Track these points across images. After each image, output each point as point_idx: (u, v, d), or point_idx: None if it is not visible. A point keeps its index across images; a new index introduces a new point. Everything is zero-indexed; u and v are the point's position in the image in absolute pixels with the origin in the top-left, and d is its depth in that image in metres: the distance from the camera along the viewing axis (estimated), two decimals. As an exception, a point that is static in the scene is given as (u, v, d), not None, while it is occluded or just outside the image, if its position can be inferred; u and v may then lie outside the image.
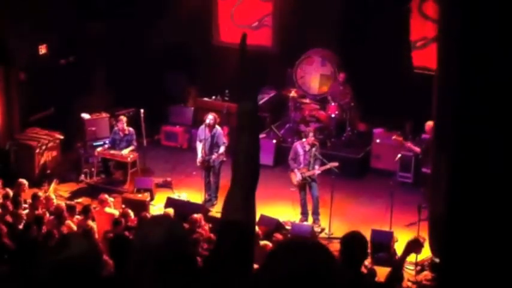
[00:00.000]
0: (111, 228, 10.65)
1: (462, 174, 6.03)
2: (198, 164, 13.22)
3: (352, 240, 5.40)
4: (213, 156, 13.04)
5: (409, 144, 13.57)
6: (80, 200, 13.26)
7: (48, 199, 11.98)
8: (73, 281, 2.89)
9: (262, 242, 10.73)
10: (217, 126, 13.21)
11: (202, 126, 13.26)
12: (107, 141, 14.43)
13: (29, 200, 11.92)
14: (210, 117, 13.12)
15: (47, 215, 11.28)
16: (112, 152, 14.23)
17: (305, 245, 2.35)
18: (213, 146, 13.13)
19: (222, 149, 13.10)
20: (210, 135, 13.09)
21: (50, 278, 2.89)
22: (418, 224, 11.27)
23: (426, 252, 10.73)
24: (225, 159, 13.19)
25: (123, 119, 14.30)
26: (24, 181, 12.39)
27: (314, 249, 2.34)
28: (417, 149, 13.39)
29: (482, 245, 5.79)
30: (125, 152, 14.13)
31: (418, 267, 10.86)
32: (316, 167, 12.53)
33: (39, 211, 11.37)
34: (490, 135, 5.99)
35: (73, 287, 2.89)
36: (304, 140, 12.81)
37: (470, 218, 5.82)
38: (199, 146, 13.24)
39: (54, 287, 2.88)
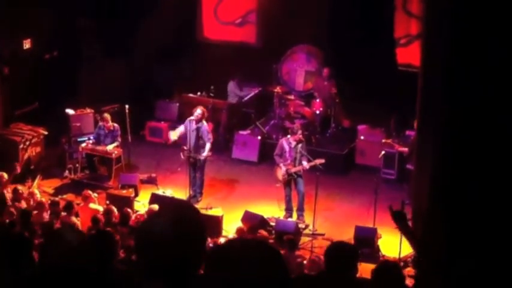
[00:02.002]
0: (91, 225, 10.61)
1: (445, 171, 6.06)
2: (182, 151, 13.14)
3: (336, 254, 5.21)
4: (201, 158, 13.03)
5: (397, 146, 13.68)
6: (64, 195, 13.22)
7: (32, 194, 11.94)
8: (67, 275, 2.90)
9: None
10: (203, 121, 13.19)
11: (189, 120, 13.20)
12: (91, 137, 14.38)
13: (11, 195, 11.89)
14: (198, 112, 13.08)
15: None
16: (96, 147, 14.20)
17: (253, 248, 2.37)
18: (198, 140, 13.10)
19: (208, 146, 13.08)
20: (196, 128, 13.07)
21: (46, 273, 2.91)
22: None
23: (409, 249, 10.80)
24: (210, 153, 13.20)
25: (107, 116, 14.25)
26: (4, 174, 12.32)
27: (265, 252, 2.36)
28: (405, 149, 13.46)
29: (465, 241, 5.84)
30: (110, 147, 14.11)
31: (402, 264, 10.92)
32: (304, 163, 12.52)
33: (22, 204, 11.33)
34: (475, 132, 6.03)
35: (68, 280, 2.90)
36: (289, 136, 12.82)
37: (452, 213, 5.86)
38: (181, 128, 13.21)
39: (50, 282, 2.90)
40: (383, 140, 13.96)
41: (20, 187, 12.25)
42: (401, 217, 5.68)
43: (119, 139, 14.25)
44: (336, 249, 5.34)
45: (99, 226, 10.47)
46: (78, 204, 11.94)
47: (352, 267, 5.28)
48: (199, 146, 13.11)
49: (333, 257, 5.23)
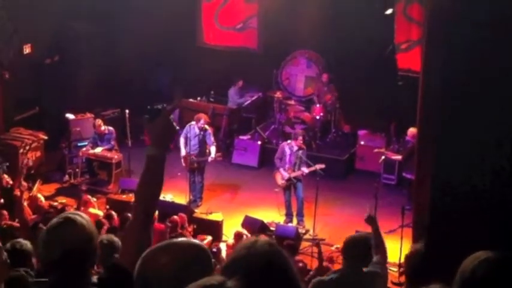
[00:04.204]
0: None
1: (445, 178, 6.03)
2: (182, 158, 13.14)
3: (353, 242, 5.55)
4: (209, 159, 13.06)
5: (390, 154, 13.73)
6: (63, 200, 13.20)
7: (35, 198, 11.93)
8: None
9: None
10: (206, 126, 13.24)
11: (189, 126, 13.20)
12: (88, 142, 14.37)
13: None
14: (202, 121, 13.11)
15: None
16: (96, 152, 14.21)
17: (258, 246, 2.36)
18: (203, 146, 13.13)
19: (214, 149, 13.12)
20: (201, 134, 13.08)
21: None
22: (402, 229, 11.29)
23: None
24: (220, 153, 13.34)
25: (98, 121, 14.27)
26: (6, 176, 12.32)
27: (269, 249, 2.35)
28: (398, 157, 13.50)
29: (465, 248, 5.81)
30: (98, 150, 14.12)
31: (402, 269, 10.90)
32: (304, 168, 12.53)
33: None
34: (476, 139, 6.00)
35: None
36: (291, 141, 12.80)
37: (452, 221, 5.84)
38: (182, 141, 13.21)
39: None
40: (375, 150, 13.99)
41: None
42: (372, 221, 6.54)
43: (113, 142, 14.28)
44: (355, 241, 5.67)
45: (103, 231, 10.45)
46: (76, 209, 11.91)
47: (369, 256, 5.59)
48: (203, 151, 13.13)
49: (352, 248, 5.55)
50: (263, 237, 2.49)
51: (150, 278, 2.44)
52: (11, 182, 11.99)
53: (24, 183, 11.92)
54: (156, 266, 2.44)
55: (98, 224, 10.66)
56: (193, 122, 13.18)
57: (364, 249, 5.56)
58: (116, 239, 5.99)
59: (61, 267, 2.91)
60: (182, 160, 13.26)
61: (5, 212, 10.97)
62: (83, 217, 3.04)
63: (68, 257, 2.90)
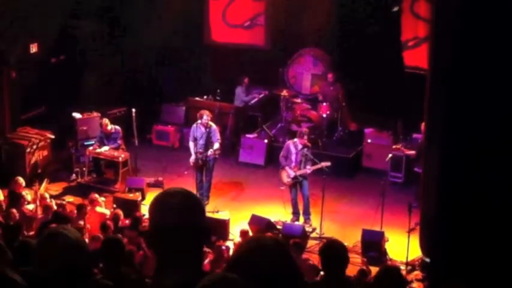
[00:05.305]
0: (100, 232, 10.55)
1: (452, 175, 6.02)
2: (192, 163, 13.17)
3: (328, 251, 5.37)
4: (209, 153, 13.03)
5: (405, 150, 13.72)
6: (71, 199, 13.23)
7: (42, 198, 11.97)
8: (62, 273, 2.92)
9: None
10: (211, 123, 13.22)
11: (196, 125, 13.21)
12: (95, 141, 14.40)
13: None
14: (206, 117, 13.10)
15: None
16: (102, 151, 14.22)
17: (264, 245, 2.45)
18: (208, 142, 13.12)
19: (216, 145, 13.10)
20: (206, 132, 13.07)
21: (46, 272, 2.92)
22: (409, 229, 11.25)
23: (417, 252, 10.75)
24: (219, 147, 13.23)
25: (105, 121, 14.28)
26: (20, 178, 12.39)
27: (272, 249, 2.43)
28: (412, 152, 13.47)
29: (472, 244, 5.80)
30: (105, 148, 14.13)
31: (409, 267, 10.88)
32: (308, 166, 12.51)
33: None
34: (481, 136, 5.99)
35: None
36: (296, 139, 12.77)
37: (459, 218, 5.82)
38: (191, 145, 13.21)
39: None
40: (393, 146, 14.00)
41: (27, 191, 12.28)
42: None
43: (119, 141, 14.29)
44: (330, 248, 5.44)
45: (109, 233, 10.44)
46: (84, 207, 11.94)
47: (346, 264, 5.38)
48: (208, 149, 13.12)
49: (325, 252, 5.38)
50: (268, 234, 2.57)
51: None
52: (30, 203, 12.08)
53: (36, 188, 12.07)
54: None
55: (104, 226, 10.62)
56: (199, 121, 13.17)
57: (337, 261, 5.36)
58: (121, 239, 5.95)
59: (53, 279, 2.98)
60: (191, 162, 13.18)
61: (14, 211, 11.02)
62: (69, 230, 3.14)
63: (58, 269, 2.98)
